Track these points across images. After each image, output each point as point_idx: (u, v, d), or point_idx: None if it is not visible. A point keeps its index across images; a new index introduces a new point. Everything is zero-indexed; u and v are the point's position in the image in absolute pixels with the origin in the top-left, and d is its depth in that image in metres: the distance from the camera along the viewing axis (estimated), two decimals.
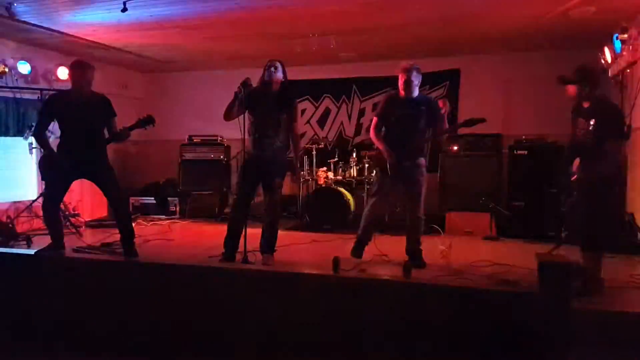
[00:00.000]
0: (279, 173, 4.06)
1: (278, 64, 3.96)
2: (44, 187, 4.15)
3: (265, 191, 4.09)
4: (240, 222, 4.03)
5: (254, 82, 3.96)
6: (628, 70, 4.83)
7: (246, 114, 4.02)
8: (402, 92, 4.04)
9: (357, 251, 4.25)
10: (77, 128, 3.94)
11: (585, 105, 3.29)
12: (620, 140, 3.35)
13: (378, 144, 4.17)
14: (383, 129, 4.22)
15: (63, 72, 6.08)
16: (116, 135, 4.02)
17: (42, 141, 4.04)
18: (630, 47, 4.53)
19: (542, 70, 6.10)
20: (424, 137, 4.15)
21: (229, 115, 3.96)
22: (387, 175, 4.09)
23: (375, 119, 4.25)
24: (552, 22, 4.87)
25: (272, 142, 3.97)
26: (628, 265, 4.08)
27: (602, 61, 5.03)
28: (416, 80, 4.02)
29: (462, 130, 6.04)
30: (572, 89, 3.30)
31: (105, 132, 4.09)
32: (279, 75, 3.96)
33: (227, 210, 6.29)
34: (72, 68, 4.02)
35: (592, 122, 3.19)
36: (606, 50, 4.97)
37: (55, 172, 4.02)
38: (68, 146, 3.96)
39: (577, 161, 3.36)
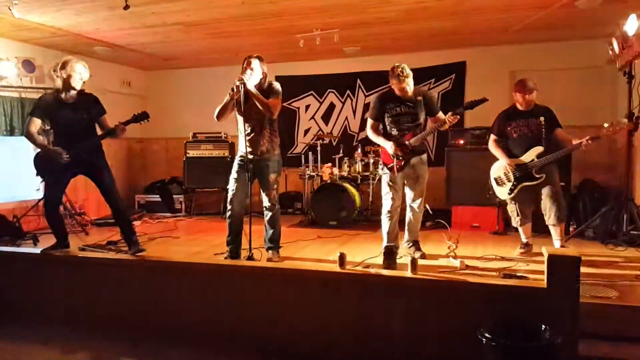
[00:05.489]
0: (273, 169, 4.04)
1: (255, 64, 3.87)
2: (43, 185, 4.16)
3: (262, 189, 4.09)
4: (239, 220, 4.03)
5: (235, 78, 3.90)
6: (636, 61, 4.76)
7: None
8: (398, 93, 3.98)
9: (389, 261, 3.90)
10: (69, 128, 3.96)
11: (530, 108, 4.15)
12: None
13: (379, 142, 4.12)
14: (380, 127, 4.18)
15: None
16: (110, 131, 4.00)
17: (32, 139, 4.01)
18: (639, 37, 4.45)
19: (548, 62, 6.05)
20: (425, 131, 4.10)
21: (222, 116, 3.95)
22: (395, 172, 4.05)
23: (369, 121, 4.17)
24: (559, 13, 4.81)
25: (262, 140, 3.96)
26: (638, 259, 4.03)
27: (610, 52, 4.96)
28: (412, 82, 3.95)
29: (468, 124, 6.11)
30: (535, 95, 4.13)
31: (98, 129, 4.11)
32: (257, 75, 3.89)
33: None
34: (60, 69, 3.95)
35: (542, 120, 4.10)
36: (614, 40, 4.90)
37: (52, 169, 4.01)
38: (62, 146, 3.96)
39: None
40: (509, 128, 4.21)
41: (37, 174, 4.22)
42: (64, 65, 3.92)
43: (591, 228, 4.82)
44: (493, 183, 4.37)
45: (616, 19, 4.64)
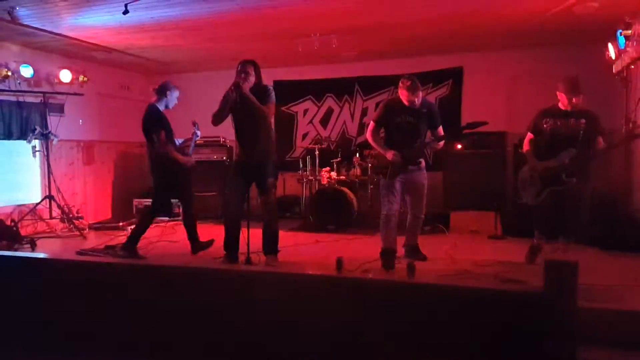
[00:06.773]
0: (270, 173, 4.06)
1: (249, 69, 3.91)
2: (154, 195, 4.66)
3: (259, 193, 4.10)
4: (236, 222, 4.04)
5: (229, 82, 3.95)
6: (632, 67, 4.79)
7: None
8: (406, 103, 4.03)
9: (388, 262, 4.01)
10: (172, 137, 4.63)
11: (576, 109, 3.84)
12: None
13: (378, 147, 4.18)
14: (382, 132, 4.24)
15: (66, 75, 6.09)
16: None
17: (165, 148, 4.46)
18: (634, 42, 4.49)
19: (545, 67, 6.07)
20: (425, 140, 4.13)
21: (219, 119, 3.97)
22: (391, 177, 4.07)
23: (372, 123, 4.23)
24: (555, 18, 4.83)
25: (257, 144, 3.98)
26: (636, 264, 4.04)
27: (606, 57, 4.99)
28: (420, 94, 4.02)
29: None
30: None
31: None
32: (251, 80, 3.93)
33: None
34: (165, 90, 4.77)
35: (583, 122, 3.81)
36: (610, 46, 4.93)
37: (171, 177, 4.47)
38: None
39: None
40: (545, 125, 3.94)
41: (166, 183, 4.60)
42: (169, 88, 4.76)
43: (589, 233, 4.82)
44: (520, 186, 4.20)
45: (612, 24, 4.67)
